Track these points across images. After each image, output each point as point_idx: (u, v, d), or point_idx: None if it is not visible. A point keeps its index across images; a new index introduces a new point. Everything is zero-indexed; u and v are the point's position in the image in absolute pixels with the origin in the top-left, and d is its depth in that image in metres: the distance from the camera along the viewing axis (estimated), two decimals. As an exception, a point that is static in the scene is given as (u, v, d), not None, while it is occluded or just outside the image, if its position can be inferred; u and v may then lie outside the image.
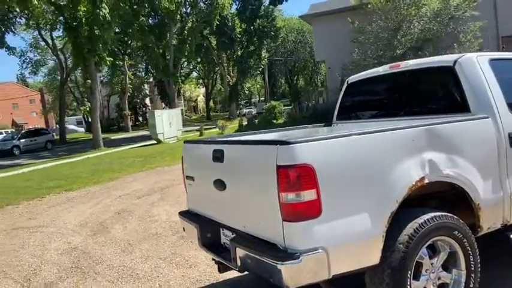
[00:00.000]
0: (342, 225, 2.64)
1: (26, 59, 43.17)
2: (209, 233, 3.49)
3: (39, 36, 40.81)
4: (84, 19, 22.75)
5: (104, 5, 22.46)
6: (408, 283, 2.79)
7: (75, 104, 61.11)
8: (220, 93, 77.19)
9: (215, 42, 41.30)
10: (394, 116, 4.15)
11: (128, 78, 45.76)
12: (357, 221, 2.68)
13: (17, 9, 20.38)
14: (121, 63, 45.59)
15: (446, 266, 3.11)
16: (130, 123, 49.00)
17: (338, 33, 22.98)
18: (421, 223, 2.88)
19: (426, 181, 2.93)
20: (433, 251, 3.05)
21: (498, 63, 3.69)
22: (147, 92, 59.06)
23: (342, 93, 4.82)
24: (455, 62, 3.58)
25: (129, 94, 49.94)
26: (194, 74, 63.32)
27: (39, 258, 5.76)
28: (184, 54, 34.13)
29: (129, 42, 41.03)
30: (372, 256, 2.75)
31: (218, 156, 3.23)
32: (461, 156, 3.13)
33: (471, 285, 3.09)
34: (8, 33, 19.46)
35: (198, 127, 31.12)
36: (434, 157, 2.99)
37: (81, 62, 23.93)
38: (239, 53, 43.25)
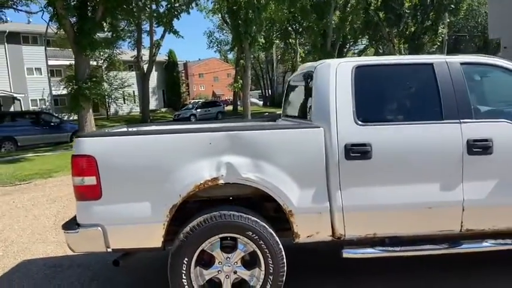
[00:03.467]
0: (122, 209, 3.21)
1: (212, 39, 49.06)
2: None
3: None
4: (242, 3, 24.82)
5: (259, -12, 24.11)
6: (184, 269, 3.20)
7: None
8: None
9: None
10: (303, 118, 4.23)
11: (298, 56, 47.53)
12: (137, 208, 3.21)
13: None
14: (293, 41, 47.60)
15: (253, 263, 3.34)
16: (299, 99, 50.94)
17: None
18: (206, 218, 3.22)
19: (221, 182, 3.22)
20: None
21: (367, 70, 3.51)
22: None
23: (285, 90, 4.98)
24: (315, 67, 3.58)
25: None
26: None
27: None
28: (344, 32, 33.86)
29: (301, 21, 42.36)
30: (152, 240, 3.25)
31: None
32: (272, 162, 3.25)
33: (267, 287, 3.26)
34: (174, 20, 22.73)
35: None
36: (235, 161, 3.23)
37: (238, 42, 26.32)
38: (412, 29, 40.50)
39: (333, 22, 33.49)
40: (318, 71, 3.54)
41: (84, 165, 3.18)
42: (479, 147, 3.33)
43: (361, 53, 58.64)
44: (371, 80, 3.52)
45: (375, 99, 3.54)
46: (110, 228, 3.21)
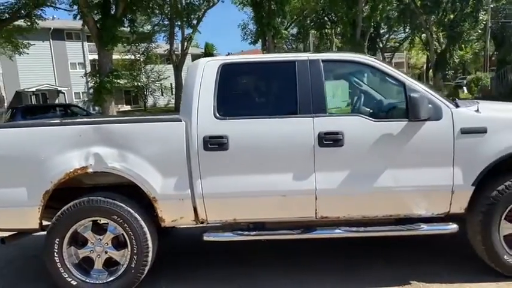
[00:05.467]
0: (2, 194, 3.61)
1: (246, 31, 49.29)
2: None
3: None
4: (265, -5, 24.99)
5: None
6: (56, 248, 3.58)
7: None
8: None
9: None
10: None
11: (334, 46, 46.99)
12: (16, 192, 3.60)
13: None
14: (329, 31, 47.07)
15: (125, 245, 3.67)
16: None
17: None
18: (76, 203, 3.58)
19: (90, 170, 3.57)
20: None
21: (232, 68, 3.74)
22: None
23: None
24: (189, 66, 3.84)
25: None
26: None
27: None
28: (375, 22, 33.11)
29: (336, 10, 41.77)
30: (29, 222, 3.64)
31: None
32: (136, 153, 3.56)
33: (132, 265, 3.60)
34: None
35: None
36: (102, 151, 3.57)
37: (261, 34, 26.54)
38: (451, 16, 38.82)
39: (363, 11, 32.71)
40: (189, 68, 3.81)
41: None
42: (329, 140, 3.48)
43: (402, 42, 57.07)
44: (235, 77, 3.76)
45: (237, 94, 3.78)
46: None
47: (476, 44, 47.90)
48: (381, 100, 3.98)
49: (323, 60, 3.70)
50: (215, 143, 3.53)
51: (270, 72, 3.82)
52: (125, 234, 3.61)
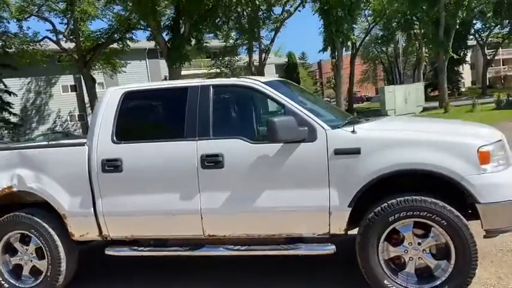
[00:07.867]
0: None
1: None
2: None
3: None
4: (333, 2, 24.75)
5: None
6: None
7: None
8: None
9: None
10: None
11: (423, 48, 44.52)
12: None
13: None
14: (418, 31, 44.69)
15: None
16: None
17: None
18: (5, 217, 4.13)
19: (15, 189, 4.11)
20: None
21: (133, 95, 4.06)
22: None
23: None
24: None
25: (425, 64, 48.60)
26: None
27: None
28: (460, 19, 30.54)
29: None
30: None
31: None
32: (49, 175, 4.02)
33: (48, 273, 4.05)
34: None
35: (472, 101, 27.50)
36: (23, 173, 4.09)
37: (330, 42, 26.25)
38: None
39: (445, 8, 30.40)
40: (100, 97, 4.17)
41: None
42: (211, 162, 3.61)
43: (505, 38, 51.85)
44: (135, 103, 4.06)
45: (134, 120, 4.05)
46: None
47: None
48: (263, 122, 3.98)
49: (213, 86, 3.84)
50: (111, 166, 3.84)
51: (166, 98, 4.06)
52: (42, 245, 4.07)
